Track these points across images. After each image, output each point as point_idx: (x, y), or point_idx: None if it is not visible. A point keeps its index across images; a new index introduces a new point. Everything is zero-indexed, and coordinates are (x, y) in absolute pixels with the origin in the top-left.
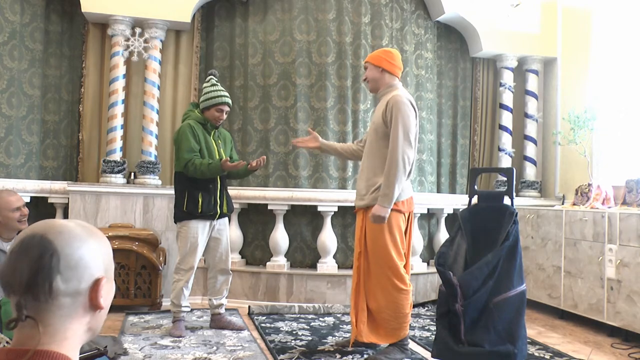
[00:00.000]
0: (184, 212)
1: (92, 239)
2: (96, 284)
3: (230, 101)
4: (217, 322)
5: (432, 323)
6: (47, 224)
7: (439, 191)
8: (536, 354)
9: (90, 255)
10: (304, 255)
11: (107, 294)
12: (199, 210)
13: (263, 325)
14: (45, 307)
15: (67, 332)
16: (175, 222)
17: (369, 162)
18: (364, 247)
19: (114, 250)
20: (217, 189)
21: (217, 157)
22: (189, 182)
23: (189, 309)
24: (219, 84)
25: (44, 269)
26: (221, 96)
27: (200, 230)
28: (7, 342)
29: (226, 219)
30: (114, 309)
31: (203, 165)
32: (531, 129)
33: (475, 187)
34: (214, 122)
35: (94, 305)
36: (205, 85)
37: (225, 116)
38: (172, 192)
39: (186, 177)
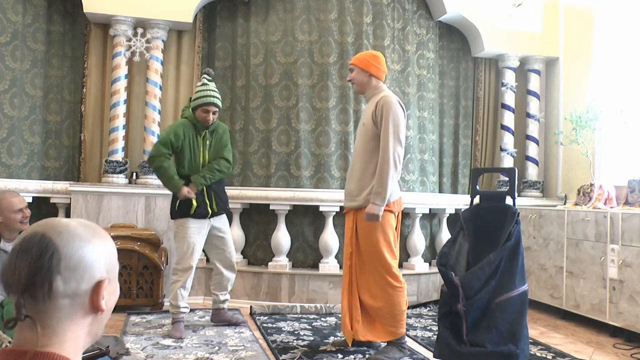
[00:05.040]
0: (177, 211)
1: (94, 239)
2: (97, 286)
3: (217, 101)
4: (219, 316)
5: (434, 323)
6: (49, 223)
7: (440, 191)
8: (538, 354)
9: (92, 256)
10: (306, 255)
11: (110, 296)
12: (191, 212)
13: (265, 325)
14: (44, 307)
15: (67, 333)
16: (172, 219)
17: (359, 163)
18: (355, 246)
19: (116, 251)
20: (204, 189)
21: (201, 159)
22: None
23: (187, 310)
24: (211, 83)
25: (43, 268)
26: (207, 96)
27: (196, 229)
28: (9, 342)
29: (224, 217)
30: (116, 308)
31: (167, 174)
32: (533, 129)
33: (477, 187)
34: (204, 123)
35: (94, 307)
36: (197, 84)
37: (212, 117)
38: None
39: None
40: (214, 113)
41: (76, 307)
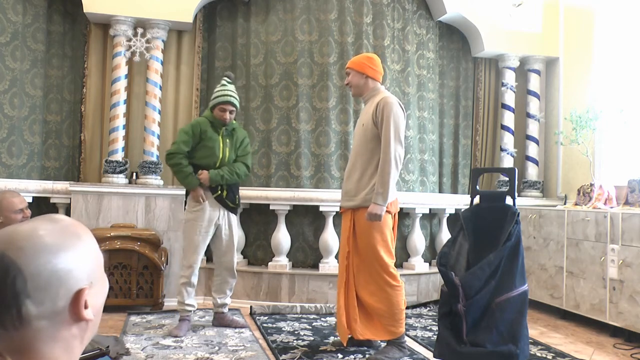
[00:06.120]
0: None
1: (67, 244)
2: (76, 298)
3: (234, 101)
4: (219, 320)
5: (434, 323)
6: (9, 237)
7: (440, 191)
8: (538, 354)
9: (66, 267)
10: (306, 255)
11: (97, 298)
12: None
13: (265, 325)
14: (17, 334)
15: (55, 351)
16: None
17: (359, 163)
18: (353, 246)
19: (116, 251)
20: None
21: (220, 154)
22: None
23: (193, 308)
24: (230, 85)
25: (8, 295)
26: (224, 95)
27: (203, 228)
28: None
29: (233, 218)
30: (116, 308)
31: (184, 171)
32: (533, 129)
33: (477, 187)
34: (221, 121)
35: (77, 320)
36: (217, 85)
37: (229, 115)
38: (174, 192)
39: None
40: (230, 112)
41: (58, 325)
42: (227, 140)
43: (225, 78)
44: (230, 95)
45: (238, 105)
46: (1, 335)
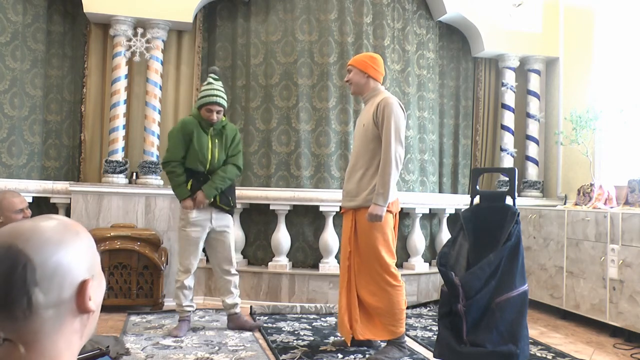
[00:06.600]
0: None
1: (67, 239)
2: (82, 288)
3: (220, 100)
4: (233, 322)
5: (434, 323)
6: (14, 231)
7: (440, 191)
8: (538, 354)
9: (68, 259)
10: (306, 255)
11: (96, 293)
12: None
13: (265, 325)
14: (25, 324)
15: (59, 344)
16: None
17: (360, 164)
18: (354, 246)
19: (116, 251)
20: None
21: (209, 156)
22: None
23: (192, 309)
24: (216, 82)
25: (18, 282)
26: (209, 96)
27: (196, 232)
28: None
29: (227, 218)
30: (116, 308)
31: (176, 181)
32: (533, 129)
33: (477, 187)
34: (208, 121)
35: (82, 310)
36: (203, 83)
37: (216, 116)
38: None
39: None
40: (217, 112)
41: (62, 316)
42: (216, 140)
43: (211, 75)
44: (217, 95)
45: (226, 103)
46: (10, 327)
